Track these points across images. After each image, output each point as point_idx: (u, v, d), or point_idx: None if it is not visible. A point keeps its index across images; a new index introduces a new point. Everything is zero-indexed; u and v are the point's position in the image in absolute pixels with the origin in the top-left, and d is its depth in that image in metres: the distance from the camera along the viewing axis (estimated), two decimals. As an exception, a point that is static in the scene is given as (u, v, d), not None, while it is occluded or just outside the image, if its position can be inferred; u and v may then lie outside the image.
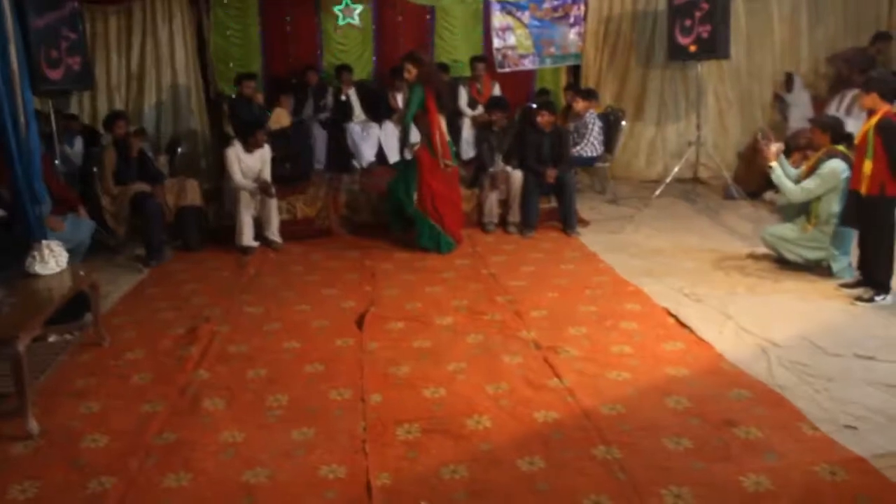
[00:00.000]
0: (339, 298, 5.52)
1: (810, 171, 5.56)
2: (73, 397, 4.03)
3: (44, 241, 4.60)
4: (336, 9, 9.75)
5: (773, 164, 5.67)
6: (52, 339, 4.74)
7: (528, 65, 9.54)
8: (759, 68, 9.89)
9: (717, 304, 5.08)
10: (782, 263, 5.83)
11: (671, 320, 4.81)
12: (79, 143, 8.27)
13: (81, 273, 4.71)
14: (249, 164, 6.97)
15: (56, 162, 6.86)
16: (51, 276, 4.52)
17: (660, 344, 4.43)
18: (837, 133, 5.59)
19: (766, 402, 3.67)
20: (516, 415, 3.64)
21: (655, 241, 6.87)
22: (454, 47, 10.13)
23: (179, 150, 8.51)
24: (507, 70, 9.42)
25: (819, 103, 9.32)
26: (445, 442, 3.43)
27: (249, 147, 6.96)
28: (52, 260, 4.56)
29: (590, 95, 8.56)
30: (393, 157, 8.76)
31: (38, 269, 4.51)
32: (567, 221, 7.23)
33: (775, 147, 5.83)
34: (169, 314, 5.35)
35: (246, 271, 6.31)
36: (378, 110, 9.19)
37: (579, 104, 8.35)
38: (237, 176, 6.87)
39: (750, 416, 3.54)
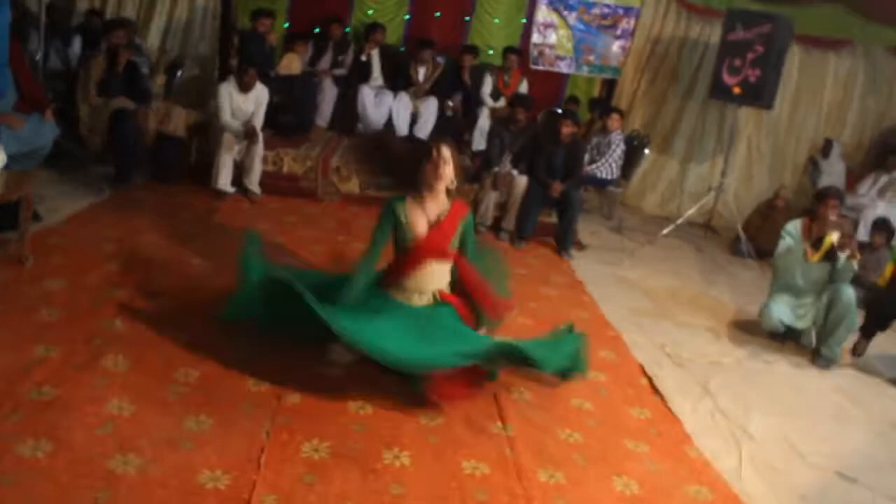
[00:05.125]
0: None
1: None
2: (-38, 321, 3.57)
3: (-23, 143, 4.12)
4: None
5: None
6: (-31, 248, 4.31)
7: (563, 67, 9.06)
8: (800, 126, 9.29)
9: (699, 372, 4.56)
10: (782, 337, 5.34)
11: (644, 381, 4.29)
12: (77, 44, 7.72)
13: (17, 180, 4.24)
14: (241, 104, 6.44)
15: (38, 57, 6.34)
16: (-24, 181, 4.05)
17: (625, 407, 3.92)
18: None
19: (724, 508, 3.18)
20: (440, 458, 3.16)
21: (650, 282, 6.35)
22: (490, 32, 9.54)
23: (179, 73, 7.95)
24: (539, 68, 8.91)
25: (852, 177, 8.81)
26: None
27: (243, 86, 6.44)
28: (-18, 164, 4.08)
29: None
30: (403, 129, 8.24)
31: (-36, 171, 4.03)
32: (562, 242, 6.71)
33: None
34: (110, 246, 4.88)
35: (211, 217, 5.81)
36: (396, 79, 8.63)
37: (615, 122, 7.81)
38: (226, 115, 6.36)
39: (704, 521, 3.06)
